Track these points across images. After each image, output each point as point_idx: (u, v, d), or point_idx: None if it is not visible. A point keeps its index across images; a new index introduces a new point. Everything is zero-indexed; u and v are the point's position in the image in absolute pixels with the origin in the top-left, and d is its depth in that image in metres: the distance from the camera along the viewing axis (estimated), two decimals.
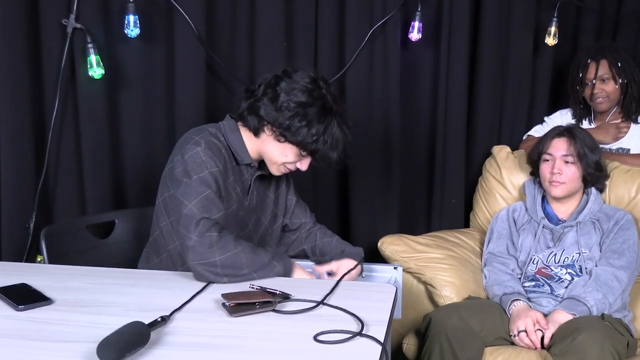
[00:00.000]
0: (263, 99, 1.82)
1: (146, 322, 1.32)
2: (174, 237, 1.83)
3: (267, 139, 1.85)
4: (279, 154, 1.85)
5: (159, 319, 1.38)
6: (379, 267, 1.96)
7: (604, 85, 2.64)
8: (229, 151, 1.87)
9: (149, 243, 1.97)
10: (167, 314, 1.42)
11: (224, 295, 1.50)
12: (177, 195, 1.76)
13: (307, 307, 1.51)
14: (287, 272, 1.76)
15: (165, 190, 1.85)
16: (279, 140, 1.82)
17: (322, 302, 1.53)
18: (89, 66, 2.23)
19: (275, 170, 1.90)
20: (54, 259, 1.92)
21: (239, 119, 1.89)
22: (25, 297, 1.51)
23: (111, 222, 2.17)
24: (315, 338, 1.34)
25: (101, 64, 2.25)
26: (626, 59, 2.65)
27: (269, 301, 1.49)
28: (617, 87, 2.64)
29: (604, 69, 2.63)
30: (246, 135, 1.88)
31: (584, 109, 2.75)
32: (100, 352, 1.20)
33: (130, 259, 2.13)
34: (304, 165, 1.88)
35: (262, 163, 1.94)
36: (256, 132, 1.85)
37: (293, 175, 2.06)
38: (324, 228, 2.10)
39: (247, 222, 1.93)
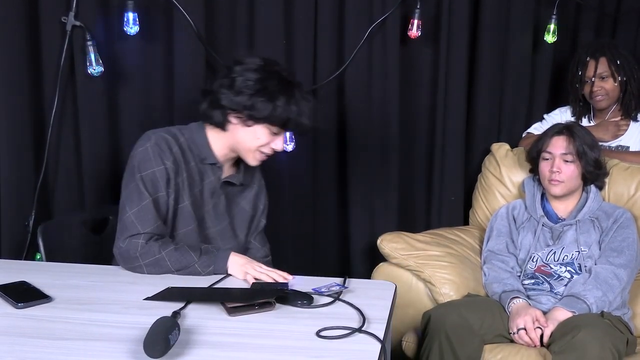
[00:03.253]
0: (220, 89, 1.81)
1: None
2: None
3: (235, 129, 1.83)
4: (252, 139, 1.83)
5: (176, 314, 1.39)
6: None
7: (603, 82, 2.64)
8: (191, 149, 1.85)
9: None
10: (174, 310, 1.43)
11: None
12: (122, 198, 1.79)
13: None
14: (218, 270, 1.77)
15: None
16: (247, 125, 1.81)
17: (338, 298, 1.55)
18: (88, 64, 2.23)
19: (251, 160, 1.87)
20: (51, 256, 1.92)
21: (205, 120, 1.88)
22: (24, 294, 1.52)
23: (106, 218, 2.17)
24: (318, 334, 1.35)
25: (100, 61, 2.24)
26: (625, 57, 2.65)
27: (269, 302, 1.49)
28: (616, 84, 2.64)
29: (603, 66, 2.63)
30: (213, 134, 1.87)
31: (583, 107, 2.75)
32: (149, 349, 1.21)
33: None
34: (278, 144, 1.86)
35: (237, 168, 1.94)
36: (223, 126, 1.84)
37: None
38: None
39: (208, 225, 1.91)
